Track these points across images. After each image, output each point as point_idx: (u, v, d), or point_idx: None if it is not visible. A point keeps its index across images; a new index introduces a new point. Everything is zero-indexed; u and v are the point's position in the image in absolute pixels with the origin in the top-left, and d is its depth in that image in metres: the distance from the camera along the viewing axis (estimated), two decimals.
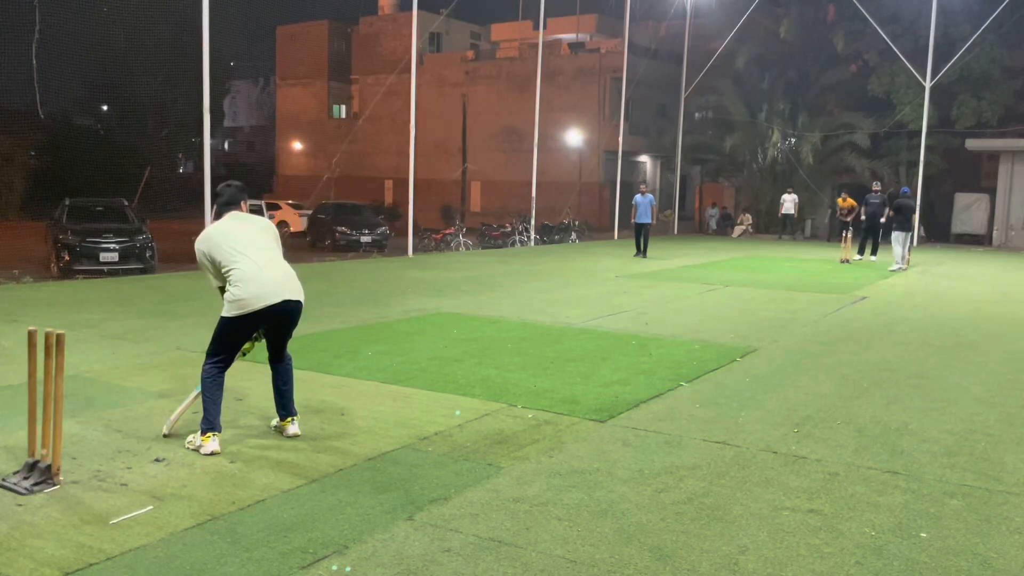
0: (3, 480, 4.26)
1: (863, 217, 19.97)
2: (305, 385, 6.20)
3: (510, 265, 17.18)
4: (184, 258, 12.98)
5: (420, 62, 32.33)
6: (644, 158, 37.68)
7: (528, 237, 24.86)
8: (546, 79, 28.21)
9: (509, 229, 25.26)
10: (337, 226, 23.11)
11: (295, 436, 5.11)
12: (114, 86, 33.56)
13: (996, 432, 5.59)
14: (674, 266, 17.36)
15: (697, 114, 33.93)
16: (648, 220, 19.75)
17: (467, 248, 23.02)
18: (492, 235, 25.24)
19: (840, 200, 22.08)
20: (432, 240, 23.76)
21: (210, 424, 4.80)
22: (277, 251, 5.05)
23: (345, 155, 32.53)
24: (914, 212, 19.48)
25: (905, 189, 19.09)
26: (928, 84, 25.43)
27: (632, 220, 19.92)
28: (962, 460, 4.99)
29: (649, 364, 7.47)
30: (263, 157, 54.88)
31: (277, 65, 49.07)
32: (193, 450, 4.81)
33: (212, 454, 4.74)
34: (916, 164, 26.34)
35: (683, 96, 31.38)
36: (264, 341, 5.12)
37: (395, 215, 31.43)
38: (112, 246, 14.96)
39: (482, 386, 6.49)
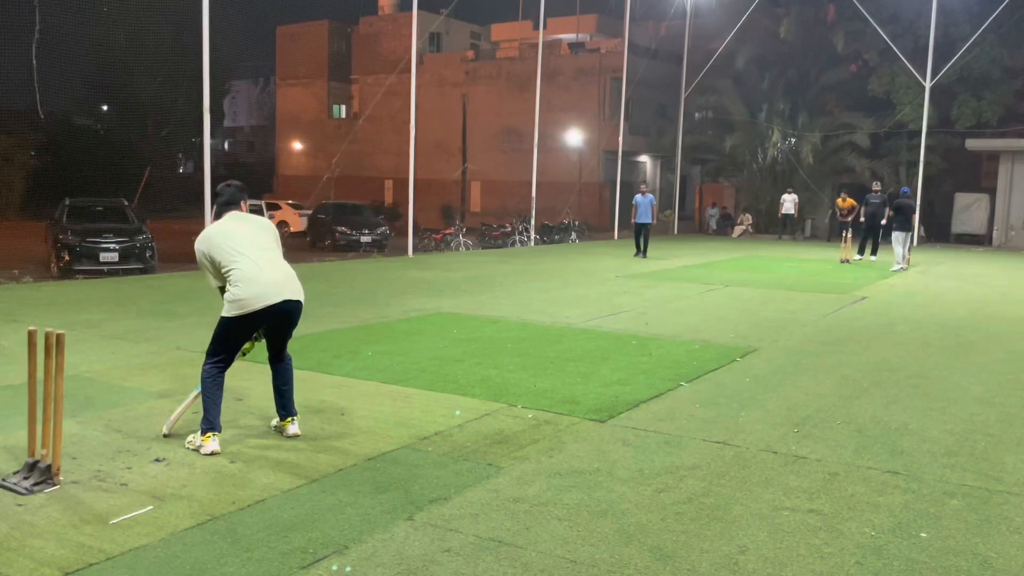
0: (3, 480, 4.26)
1: (862, 219, 19.98)
2: (305, 385, 6.20)
3: (510, 265, 17.18)
4: (184, 258, 12.98)
5: (420, 62, 32.34)
6: (644, 158, 37.68)
7: (528, 237, 24.86)
8: (546, 79, 28.21)
9: (509, 229, 25.26)
10: (337, 226, 23.11)
11: (295, 436, 5.11)
12: (114, 86, 33.59)
13: (996, 432, 5.59)
14: (674, 266, 17.36)
15: (697, 114, 33.93)
16: (648, 220, 19.75)
17: (467, 248, 23.02)
18: (492, 235, 25.24)
19: (840, 200, 22.07)
20: (432, 240, 23.76)
21: (210, 424, 4.80)
22: (277, 251, 5.05)
23: (345, 155, 32.54)
24: (914, 212, 19.49)
25: (905, 189, 19.09)
26: (928, 84, 25.43)
27: (632, 220, 19.92)
28: (962, 460, 4.99)
29: (649, 364, 7.47)
30: (263, 157, 54.90)
31: (277, 65, 49.08)
32: (193, 450, 4.81)
33: (212, 454, 4.74)
34: (916, 164, 26.34)
35: (683, 96, 31.38)
36: (264, 341, 5.12)
37: (395, 215, 31.44)
38: (112, 246, 14.96)
39: (482, 386, 6.49)
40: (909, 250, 17.59)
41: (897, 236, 17.28)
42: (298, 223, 28.24)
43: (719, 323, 9.90)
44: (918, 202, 23.78)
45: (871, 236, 19.89)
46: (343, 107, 47.43)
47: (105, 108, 36.05)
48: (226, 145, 62.86)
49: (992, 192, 27.50)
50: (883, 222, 19.06)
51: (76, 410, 5.52)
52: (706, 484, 4.50)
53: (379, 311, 10.28)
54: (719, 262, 18.66)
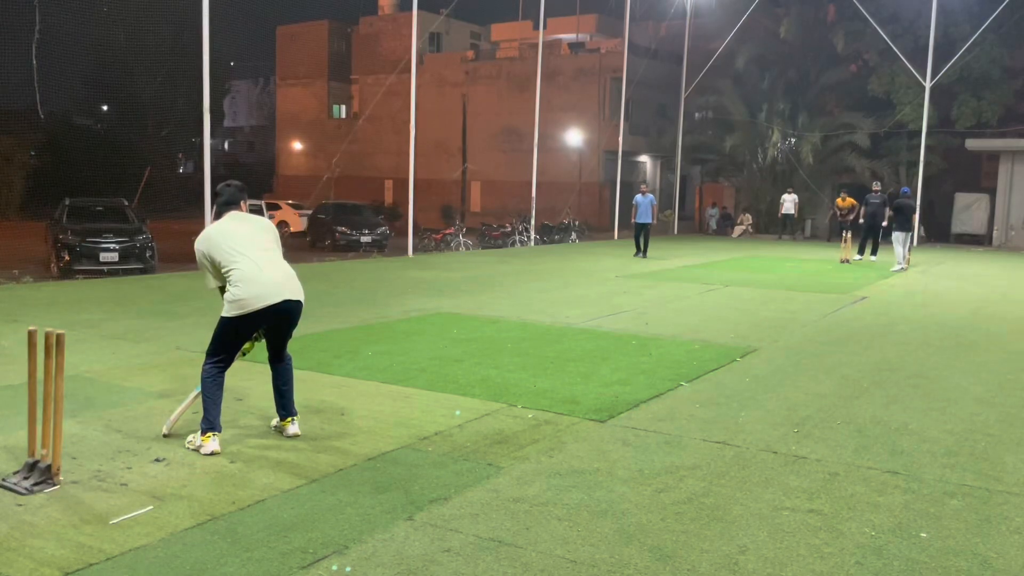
0: (3, 480, 4.26)
1: (861, 220, 19.97)
2: (305, 385, 6.20)
3: (510, 265, 17.18)
4: (184, 258, 12.99)
5: (420, 62, 32.35)
6: (644, 158, 37.68)
7: (528, 237, 24.86)
8: (546, 79, 28.22)
9: (509, 229, 25.26)
10: (337, 226, 23.12)
11: (295, 436, 5.11)
12: (114, 86, 33.60)
13: (996, 432, 5.59)
14: (674, 266, 17.36)
15: (697, 114, 33.93)
16: (648, 220, 19.75)
17: (467, 248, 23.02)
18: (492, 235, 25.24)
19: (839, 200, 22.06)
20: (432, 240, 23.77)
21: (210, 424, 4.80)
22: (277, 251, 5.05)
23: (345, 155, 32.55)
24: (914, 212, 19.49)
25: (905, 189, 19.09)
26: (928, 84, 25.43)
27: (632, 220, 19.92)
28: (962, 460, 4.99)
29: (649, 364, 7.47)
30: (263, 157, 54.92)
31: (277, 65, 49.08)
32: (193, 450, 4.81)
33: (212, 454, 4.74)
34: (916, 164, 26.34)
35: (683, 96, 31.38)
36: (264, 341, 5.12)
37: (395, 215, 31.44)
38: (112, 246, 14.96)
39: (482, 386, 6.49)
40: (909, 250, 17.59)
41: (897, 236, 17.28)
42: (298, 223, 28.24)
43: (719, 323, 9.90)
44: (918, 202, 23.78)
45: (871, 236, 19.89)
46: (343, 107, 47.44)
47: (105, 108, 36.06)
48: (226, 145, 62.88)
49: (992, 192, 27.50)
50: (884, 223, 19.04)
51: (76, 410, 5.52)
52: (706, 484, 4.50)
53: (379, 311, 10.28)
54: (719, 262, 18.66)
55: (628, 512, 4.08)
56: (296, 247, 22.05)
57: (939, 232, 28.80)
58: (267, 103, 58.50)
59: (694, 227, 35.11)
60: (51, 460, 4.22)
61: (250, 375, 6.46)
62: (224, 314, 4.82)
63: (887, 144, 29.07)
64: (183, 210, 27.66)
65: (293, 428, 5.13)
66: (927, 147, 25.97)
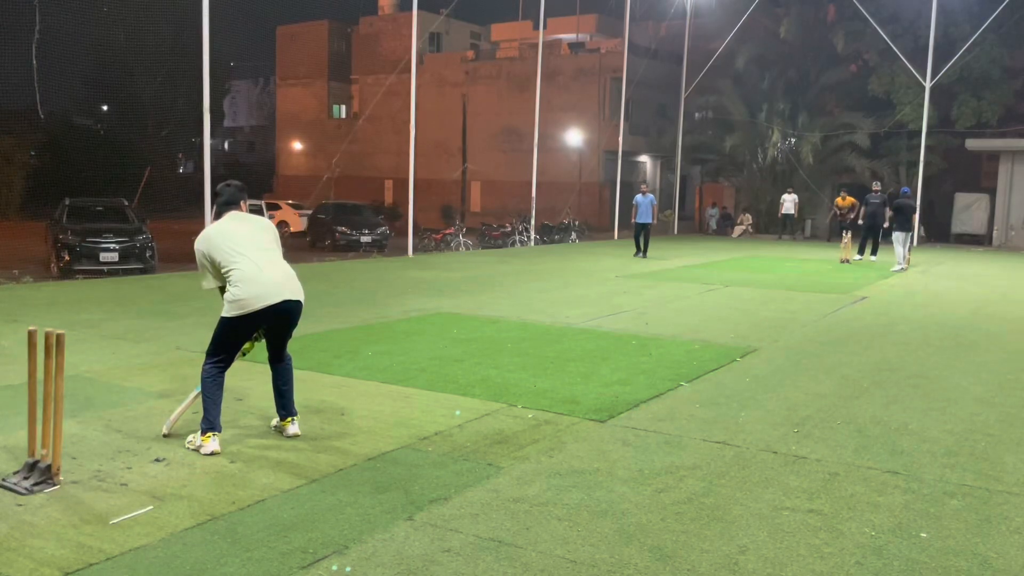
0: (3, 480, 4.26)
1: (860, 221, 19.97)
2: (305, 385, 6.20)
3: (510, 265, 17.18)
4: (184, 258, 12.98)
5: (420, 62, 32.34)
6: (644, 158, 37.68)
7: (528, 237, 24.86)
8: (546, 79, 28.21)
9: (509, 229, 25.26)
10: (337, 226, 23.12)
11: (295, 436, 5.11)
12: (114, 86, 33.61)
13: (996, 432, 5.59)
14: (674, 266, 17.36)
15: (697, 114, 33.94)
16: (649, 220, 19.75)
17: (467, 248, 23.02)
18: (492, 235, 25.24)
19: (839, 199, 22.06)
20: (432, 240, 23.77)
21: (210, 424, 4.80)
22: (277, 251, 5.05)
23: (345, 155, 32.55)
24: (914, 212, 19.49)
25: (905, 189, 19.09)
26: (928, 84, 25.43)
27: (632, 220, 19.92)
28: (962, 460, 4.99)
29: (649, 364, 7.47)
30: (263, 157, 54.92)
31: (277, 65, 49.08)
32: (193, 450, 4.81)
33: (212, 454, 4.74)
34: (916, 164, 26.34)
35: (683, 96, 31.38)
36: (264, 341, 5.12)
37: (395, 215, 31.44)
38: (112, 246, 14.96)
39: (482, 386, 6.49)
40: (909, 250, 17.59)
41: (897, 236, 17.28)
42: (298, 223, 28.24)
43: (719, 323, 9.90)
44: (918, 202, 23.78)
45: (871, 236, 19.88)
46: (343, 107, 47.44)
47: (105, 108, 36.07)
48: (226, 145, 62.87)
49: (992, 192, 27.50)
50: (885, 224, 19.02)
51: (76, 410, 5.52)
52: (706, 484, 4.50)
53: (379, 311, 10.28)
54: (719, 262, 18.66)
55: (628, 512, 4.08)
56: (296, 247, 22.04)
57: (939, 232, 28.80)
58: (267, 103, 58.50)
59: (694, 227, 35.12)
60: (51, 460, 4.22)
61: (250, 375, 6.46)
62: (224, 314, 4.82)
63: (887, 144, 29.07)
64: (183, 210, 27.65)
65: (293, 428, 5.13)
66: (927, 147, 25.97)
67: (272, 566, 3.44)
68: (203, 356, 4.97)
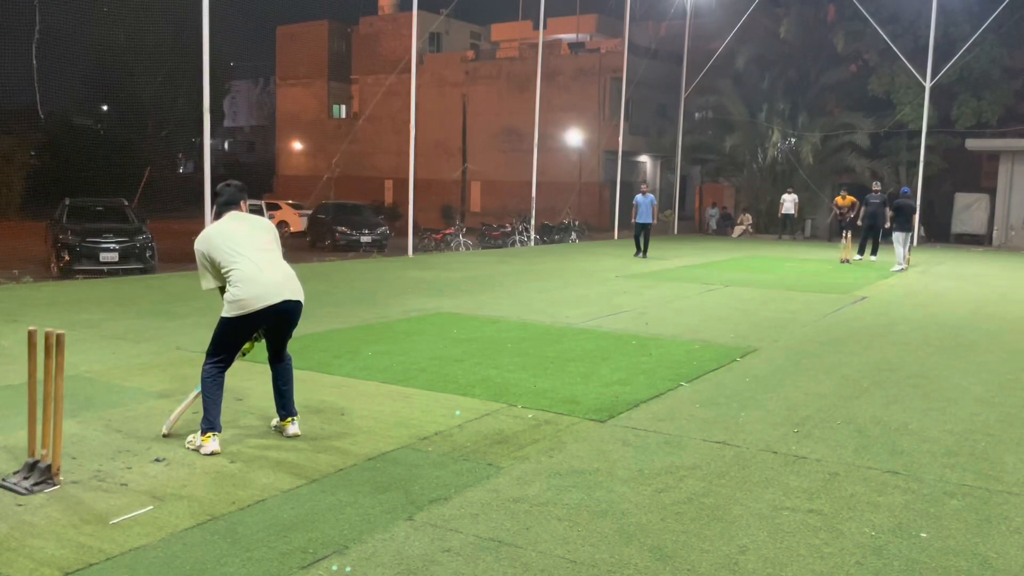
0: (3, 480, 4.26)
1: (860, 221, 19.96)
2: (305, 385, 6.20)
3: (510, 265, 17.18)
4: (184, 258, 12.98)
5: (420, 62, 32.35)
6: (644, 158, 37.68)
7: (528, 237, 24.86)
8: (546, 79, 28.21)
9: (509, 229, 25.26)
10: (337, 226, 23.12)
11: (295, 436, 5.11)
12: (114, 86, 33.60)
13: (996, 432, 5.59)
14: (674, 266, 17.37)
15: (697, 114, 33.94)
16: (649, 220, 19.75)
17: (467, 248, 23.02)
18: (492, 235, 25.24)
19: (839, 198, 22.05)
20: (432, 240, 23.77)
21: (210, 424, 4.80)
22: (277, 251, 5.05)
23: (345, 155, 32.55)
24: (914, 212, 19.48)
25: (905, 189, 19.09)
26: (928, 84, 25.43)
27: (632, 220, 19.92)
28: (962, 460, 4.99)
29: (649, 364, 7.47)
30: (263, 157, 54.92)
31: (277, 65, 49.08)
32: (193, 450, 4.81)
33: (212, 454, 4.74)
34: (916, 164, 26.35)
35: (683, 96, 31.38)
36: (264, 341, 5.12)
37: (395, 215, 31.44)
38: (112, 246, 14.97)
39: (482, 386, 6.49)
40: (909, 250, 17.59)
41: (897, 236, 17.28)
42: (298, 223, 28.25)
43: (719, 323, 9.90)
44: (918, 202, 23.78)
45: (871, 236, 19.88)
46: (343, 107, 47.44)
47: (105, 108, 36.06)
48: (226, 145, 62.88)
49: (992, 192, 27.50)
50: (887, 225, 19.01)
51: (76, 410, 5.52)
52: (706, 484, 4.50)
53: (379, 311, 10.28)
54: (719, 262, 18.66)
55: (628, 512, 4.08)
56: (296, 247, 22.05)
57: (939, 232, 28.80)
58: (267, 103, 58.51)
59: (694, 227, 35.12)
60: (51, 460, 4.22)
61: (250, 375, 6.46)
62: (224, 314, 4.82)
63: (887, 144, 29.07)
64: (183, 210, 27.63)
65: (293, 428, 5.13)
66: (927, 147, 25.98)
67: (272, 566, 3.44)
68: (203, 356, 4.97)
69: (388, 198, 39.38)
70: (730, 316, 10.50)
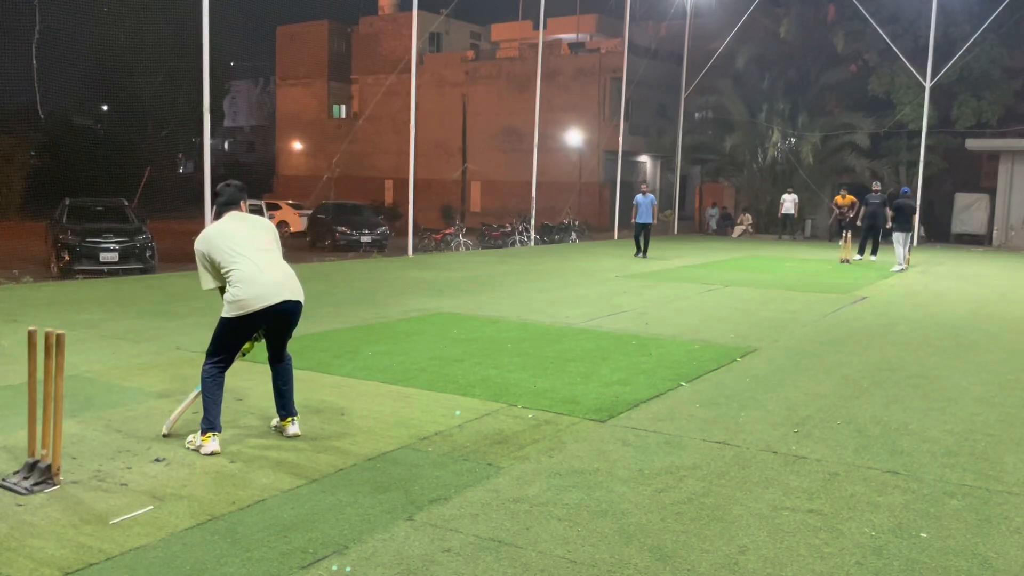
0: (3, 480, 4.26)
1: (860, 221, 19.96)
2: (305, 385, 6.20)
3: (510, 265, 17.18)
4: (184, 258, 12.98)
5: (420, 62, 32.35)
6: (644, 158, 37.68)
7: (528, 237, 24.86)
8: (546, 79, 28.21)
9: (509, 229, 25.26)
10: (337, 226, 23.12)
11: (295, 436, 5.11)
12: (114, 86, 33.57)
13: (996, 432, 5.59)
14: (674, 266, 17.37)
15: (697, 114, 33.94)
16: (649, 220, 19.75)
17: (467, 248, 23.02)
18: (492, 235, 25.24)
19: (839, 197, 22.05)
20: (432, 240, 23.77)
21: (210, 424, 4.80)
22: (277, 251, 5.05)
23: (345, 155, 32.55)
24: (914, 212, 19.48)
25: (905, 189, 19.09)
26: (928, 84, 25.43)
27: (633, 220, 19.92)
28: (962, 460, 4.99)
29: (649, 364, 7.47)
30: (263, 157, 54.92)
31: (277, 65, 49.09)
32: (193, 450, 4.81)
33: (212, 454, 4.74)
34: (916, 164, 26.34)
35: (683, 96, 31.38)
36: (264, 341, 5.12)
37: (395, 215, 31.44)
38: (112, 246, 14.97)
39: (482, 386, 6.49)
40: (909, 250, 17.59)
41: (897, 236, 17.28)
42: (298, 223, 28.24)
43: (719, 323, 9.90)
44: (918, 202, 23.78)
45: (871, 236, 19.88)
46: (343, 107, 47.44)
47: (105, 108, 36.05)
48: (226, 145, 62.89)
49: (992, 192, 27.50)
50: (887, 225, 19.00)
51: (76, 410, 5.52)
52: (706, 484, 4.50)
53: (379, 311, 10.28)
54: (719, 262, 18.66)
55: (628, 512, 4.08)
56: (296, 247, 22.05)
57: (939, 232, 28.80)
58: (267, 103, 58.51)
59: (694, 227, 35.12)
60: (51, 460, 4.23)
61: (250, 375, 6.46)
62: (224, 314, 4.82)
63: (887, 144, 29.07)
64: (183, 210, 27.63)
65: (293, 428, 5.13)
66: (927, 147, 25.98)
67: (272, 566, 3.44)
68: (203, 356, 4.97)
69: (388, 198, 39.38)
70: (730, 316, 10.50)
